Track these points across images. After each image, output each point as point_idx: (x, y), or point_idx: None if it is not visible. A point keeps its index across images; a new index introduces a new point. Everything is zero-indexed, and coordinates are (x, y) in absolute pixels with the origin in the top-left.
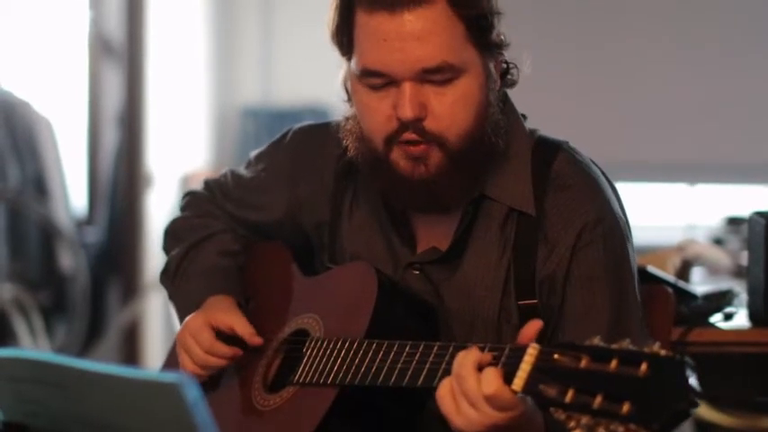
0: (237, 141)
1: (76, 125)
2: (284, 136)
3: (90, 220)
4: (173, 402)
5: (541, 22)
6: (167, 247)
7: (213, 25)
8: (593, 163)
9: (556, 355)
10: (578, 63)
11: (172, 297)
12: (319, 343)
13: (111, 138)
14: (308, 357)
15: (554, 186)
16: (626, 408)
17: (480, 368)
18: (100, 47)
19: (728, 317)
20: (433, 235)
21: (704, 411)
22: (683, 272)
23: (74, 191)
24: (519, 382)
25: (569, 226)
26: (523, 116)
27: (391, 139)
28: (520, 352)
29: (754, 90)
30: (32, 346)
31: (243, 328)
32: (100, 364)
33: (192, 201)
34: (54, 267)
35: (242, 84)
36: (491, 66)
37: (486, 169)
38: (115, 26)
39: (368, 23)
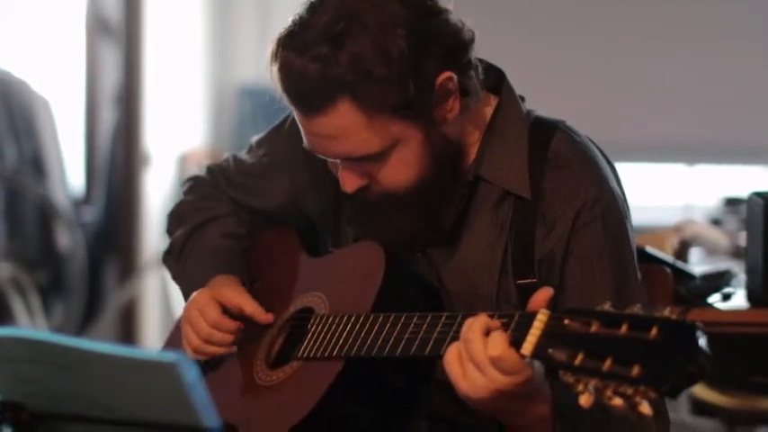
0: (235, 121)
1: (74, 104)
2: (284, 121)
3: (87, 199)
4: (171, 381)
5: (538, 2)
6: (171, 229)
7: (210, 4)
8: (591, 142)
9: (566, 321)
10: (576, 43)
11: (176, 278)
12: (324, 319)
13: (108, 117)
14: (313, 333)
15: (552, 167)
16: (636, 370)
17: (488, 333)
18: (97, 26)
19: (726, 297)
20: None
21: (701, 391)
22: (682, 252)
23: (71, 170)
24: (528, 346)
25: (567, 205)
26: (521, 98)
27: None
28: (529, 318)
29: (753, 71)
30: (30, 325)
31: (251, 306)
32: (97, 344)
33: (195, 185)
34: (51, 246)
35: (239, 63)
36: (433, 113)
37: (448, 198)
38: (112, 6)
39: (296, 116)
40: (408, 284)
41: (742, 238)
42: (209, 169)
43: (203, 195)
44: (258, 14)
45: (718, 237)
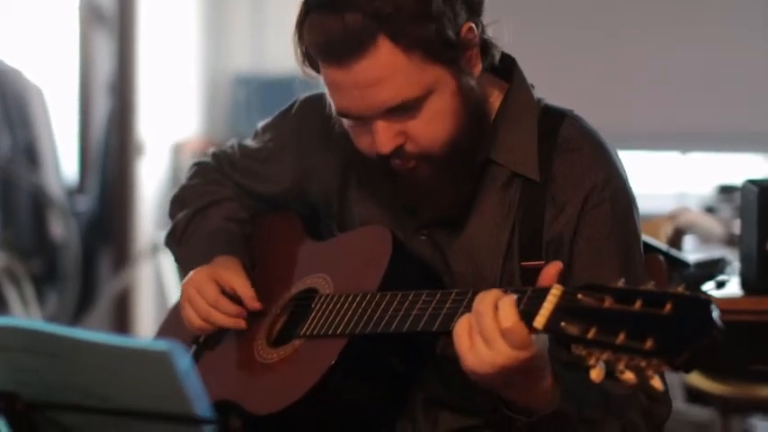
0: (229, 109)
1: (67, 93)
2: (291, 106)
3: (81, 188)
4: (163, 370)
5: None
6: (173, 213)
7: None
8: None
9: (579, 296)
10: (571, 32)
11: (177, 260)
12: (328, 298)
13: (102, 106)
14: (317, 312)
15: (561, 150)
16: (649, 344)
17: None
18: (91, 15)
19: (720, 285)
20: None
21: (696, 379)
22: (676, 240)
23: (65, 159)
24: (541, 320)
25: (578, 188)
26: (531, 86)
27: (382, 160)
28: (543, 293)
29: (747, 59)
30: (24, 314)
31: (244, 290)
32: (91, 333)
33: (199, 170)
34: (45, 236)
35: (233, 51)
36: (462, 63)
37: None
38: None
39: (326, 74)
40: (413, 268)
41: (736, 226)
42: (214, 155)
43: (207, 180)
44: (252, 3)
45: (713, 224)
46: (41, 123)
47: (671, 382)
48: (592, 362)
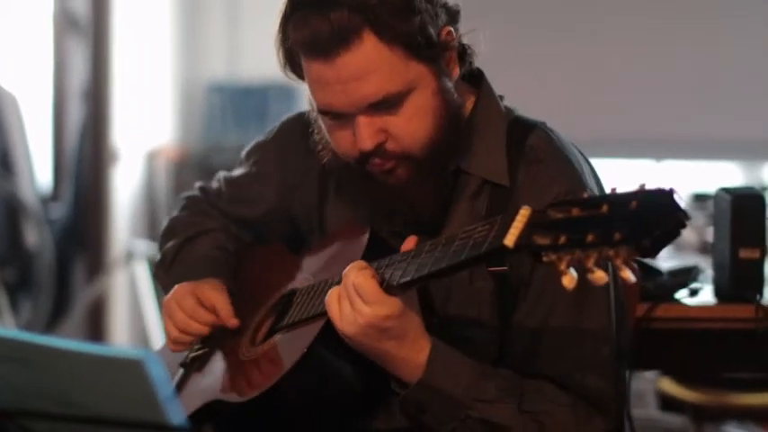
0: (203, 117)
1: (41, 101)
2: (272, 129)
3: (55, 196)
4: (136, 378)
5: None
6: (163, 245)
7: (179, 0)
8: (573, 144)
9: (548, 212)
10: (544, 40)
11: (164, 288)
12: (308, 288)
13: (76, 113)
14: (297, 304)
15: (527, 160)
16: (618, 236)
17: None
18: (65, 22)
19: (694, 293)
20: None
21: (669, 387)
22: None
23: (39, 167)
24: (511, 238)
25: (539, 200)
26: (501, 97)
27: (361, 161)
28: (512, 215)
29: (721, 66)
30: None
31: (223, 305)
32: (65, 341)
33: (188, 203)
34: (19, 243)
35: (207, 59)
36: (442, 64)
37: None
38: (80, 1)
39: (309, 69)
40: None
41: (709, 234)
42: (202, 188)
43: (194, 211)
44: (226, 10)
45: (686, 232)
46: (15, 131)
47: (644, 389)
48: (563, 267)
